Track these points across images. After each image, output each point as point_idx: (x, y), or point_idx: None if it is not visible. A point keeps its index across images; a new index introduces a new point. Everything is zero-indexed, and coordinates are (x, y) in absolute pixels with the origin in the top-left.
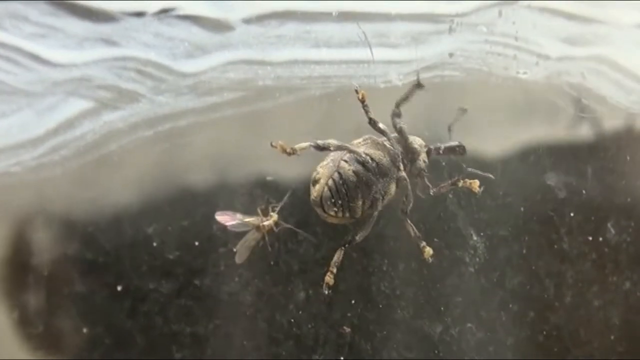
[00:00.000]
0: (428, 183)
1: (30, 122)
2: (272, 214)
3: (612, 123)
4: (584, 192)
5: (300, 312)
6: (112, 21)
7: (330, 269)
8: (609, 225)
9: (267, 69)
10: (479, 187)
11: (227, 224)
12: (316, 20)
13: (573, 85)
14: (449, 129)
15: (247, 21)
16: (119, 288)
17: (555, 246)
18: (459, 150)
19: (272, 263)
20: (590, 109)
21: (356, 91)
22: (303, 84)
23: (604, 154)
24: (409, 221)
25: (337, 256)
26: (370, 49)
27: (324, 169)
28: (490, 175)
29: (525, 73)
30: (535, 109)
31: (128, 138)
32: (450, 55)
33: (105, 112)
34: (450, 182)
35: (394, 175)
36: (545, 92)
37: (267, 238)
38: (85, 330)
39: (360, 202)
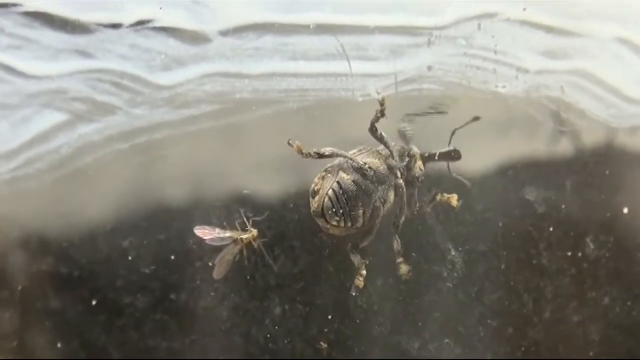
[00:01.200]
0: (415, 199)
1: (5, 135)
2: (251, 228)
3: (591, 137)
4: (563, 207)
5: (276, 328)
6: (88, 33)
7: (360, 272)
8: (588, 240)
9: (244, 82)
10: (458, 201)
11: (206, 238)
12: (294, 33)
13: (552, 99)
14: (453, 134)
15: (225, 33)
16: (95, 302)
17: (534, 261)
18: (455, 155)
19: (248, 278)
20: (570, 123)
21: (377, 92)
22: (281, 97)
23: (583, 168)
24: (397, 236)
25: (357, 260)
26: (349, 62)
27: (323, 180)
28: (468, 184)
29: (504, 87)
30: (515, 123)
31: (104, 151)
32: (429, 68)
33: (80, 125)
34: (429, 200)
35: (392, 183)
36: (525, 106)
37: (245, 253)
38: (59, 345)
39: (361, 211)
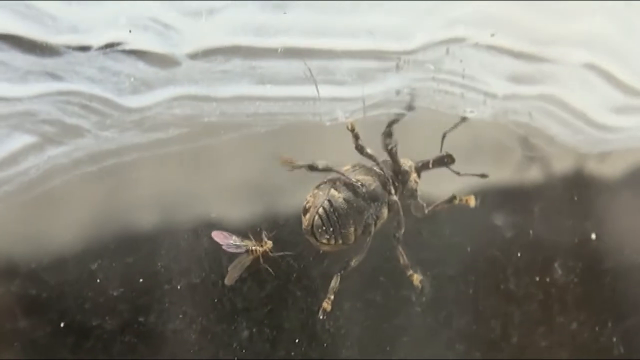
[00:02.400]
0: (422, 202)
1: None
2: (266, 240)
3: (559, 163)
4: (531, 232)
5: (244, 351)
6: (56, 55)
7: (328, 295)
8: (556, 265)
9: (212, 105)
10: (476, 200)
11: (222, 243)
12: (262, 56)
13: (520, 124)
14: (444, 136)
15: (193, 57)
16: (62, 324)
17: (502, 286)
18: (447, 159)
19: (216, 301)
20: (538, 148)
21: (345, 117)
22: (248, 120)
23: (551, 193)
24: (400, 248)
25: (334, 282)
26: (316, 86)
27: (314, 198)
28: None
29: (472, 112)
30: (483, 148)
31: (72, 174)
32: (397, 92)
33: (49, 147)
34: (445, 200)
35: (386, 200)
36: (493, 131)
37: (262, 261)
38: None
39: (352, 229)
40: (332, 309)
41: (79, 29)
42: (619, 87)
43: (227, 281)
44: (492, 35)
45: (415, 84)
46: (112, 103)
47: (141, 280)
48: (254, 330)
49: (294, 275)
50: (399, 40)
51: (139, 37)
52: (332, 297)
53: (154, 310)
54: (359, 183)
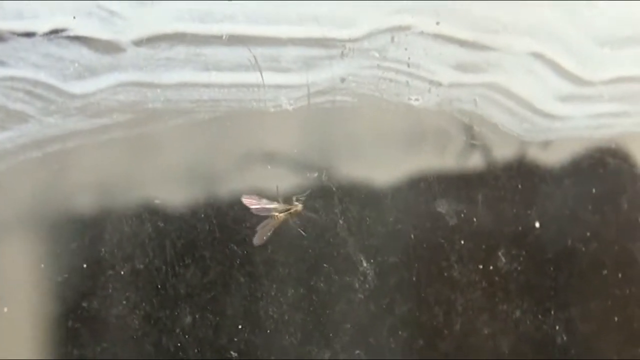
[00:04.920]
0: None
1: None
2: (296, 203)
3: (503, 151)
4: (474, 220)
5: (186, 337)
6: (1, 41)
7: None
8: (499, 253)
9: (156, 92)
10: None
11: (252, 207)
12: (206, 43)
13: (465, 112)
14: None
15: (138, 43)
16: (5, 310)
17: (445, 274)
18: None
19: (159, 287)
20: (482, 136)
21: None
22: (192, 107)
23: (495, 181)
24: None
25: None
26: (261, 73)
27: None
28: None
29: (417, 99)
30: (427, 136)
31: (16, 159)
32: (342, 80)
33: None
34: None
35: None
36: (437, 119)
37: (291, 222)
38: None
39: None
40: (275, 296)
41: (24, 15)
42: (565, 76)
43: (256, 241)
44: (438, 23)
45: (360, 72)
46: (56, 89)
47: (85, 265)
48: (197, 316)
49: (238, 261)
50: (344, 27)
51: (83, 23)
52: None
53: (98, 296)
54: None
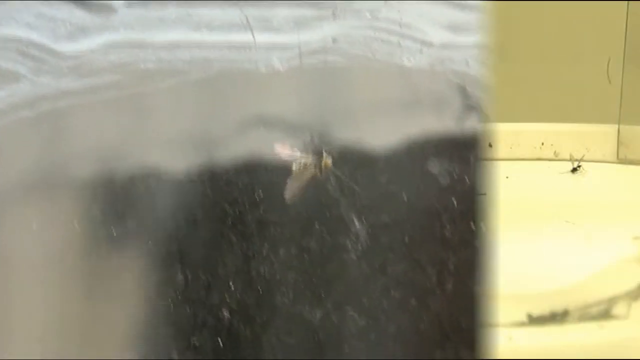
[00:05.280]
0: None
1: None
2: (326, 155)
3: None
4: (467, 179)
5: (178, 296)
6: None
7: None
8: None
9: (148, 52)
10: None
11: (283, 155)
12: (198, 3)
13: (457, 72)
14: None
15: (129, 4)
16: None
17: (438, 234)
18: None
19: (150, 243)
20: (476, 97)
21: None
22: (184, 67)
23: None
24: None
25: None
26: (253, 33)
27: None
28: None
29: (409, 60)
30: (420, 97)
31: (9, 119)
32: (334, 40)
33: None
34: None
35: None
36: (430, 80)
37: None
38: None
39: None
40: (266, 256)
41: None
42: None
43: (287, 194)
44: None
45: (352, 32)
46: (48, 49)
47: (77, 227)
48: (189, 275)
49: (230, 221)
50: None
51: None
52: None
53: (99, 257)
54: None
